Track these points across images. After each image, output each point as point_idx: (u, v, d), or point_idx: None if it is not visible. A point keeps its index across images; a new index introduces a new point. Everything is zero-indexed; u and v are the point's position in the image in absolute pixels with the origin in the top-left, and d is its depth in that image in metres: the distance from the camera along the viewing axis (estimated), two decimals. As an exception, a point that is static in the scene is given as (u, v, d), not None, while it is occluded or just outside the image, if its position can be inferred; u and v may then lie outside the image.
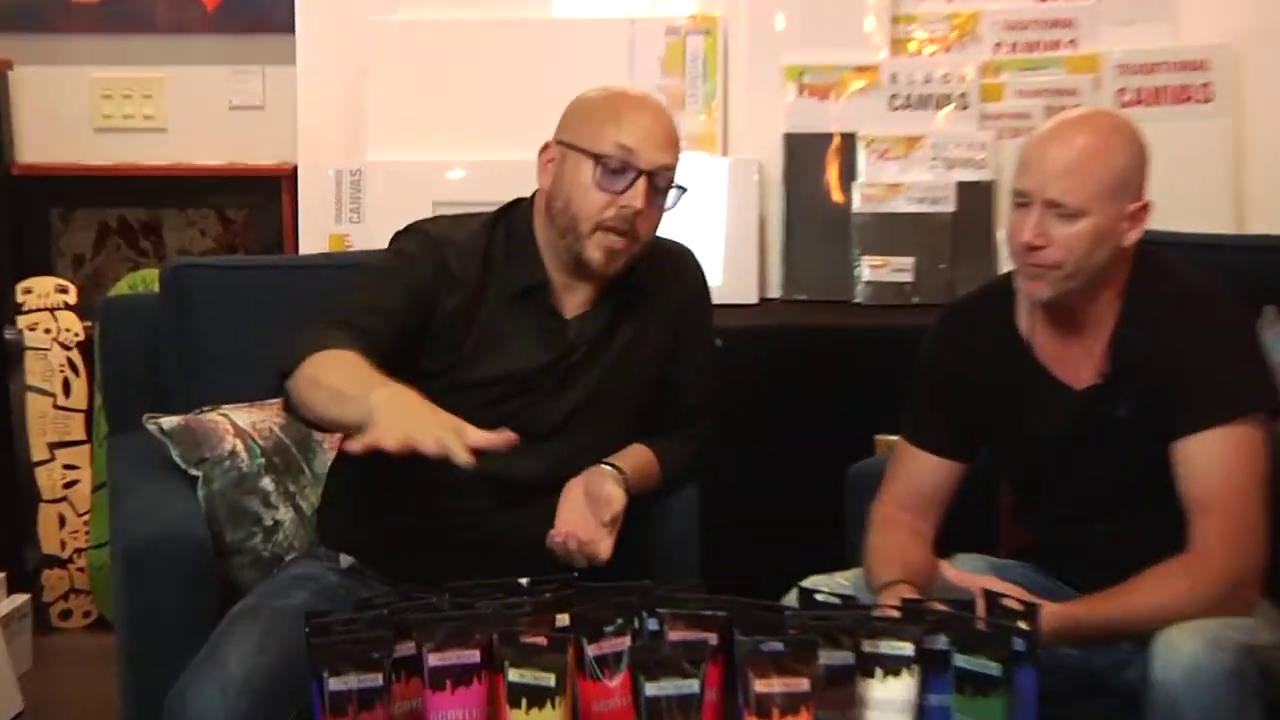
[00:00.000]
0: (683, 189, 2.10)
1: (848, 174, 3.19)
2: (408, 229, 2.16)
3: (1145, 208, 2.01)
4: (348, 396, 1.84)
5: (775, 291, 3.20)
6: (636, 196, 2.03)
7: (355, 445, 1.76)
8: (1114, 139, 1.99)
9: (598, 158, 2.04)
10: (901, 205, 3.15)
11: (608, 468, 2.12)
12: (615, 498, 2.07)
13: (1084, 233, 1.95)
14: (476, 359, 2.10)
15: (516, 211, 2.18)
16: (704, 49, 3.23)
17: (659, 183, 2.06)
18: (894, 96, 3.20)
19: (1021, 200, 1.98)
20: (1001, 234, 3.06)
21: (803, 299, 3.17)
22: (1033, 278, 1.99)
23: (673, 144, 2.09)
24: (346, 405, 1.84)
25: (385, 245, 2.48)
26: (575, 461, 2.13)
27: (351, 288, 2.10)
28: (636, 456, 2.18)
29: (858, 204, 3.17)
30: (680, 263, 2.27)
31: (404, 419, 1.75)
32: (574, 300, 2.14)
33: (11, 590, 3.26)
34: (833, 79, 3.21)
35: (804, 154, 3.21)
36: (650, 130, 2.06)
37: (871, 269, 3.13)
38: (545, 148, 2.13)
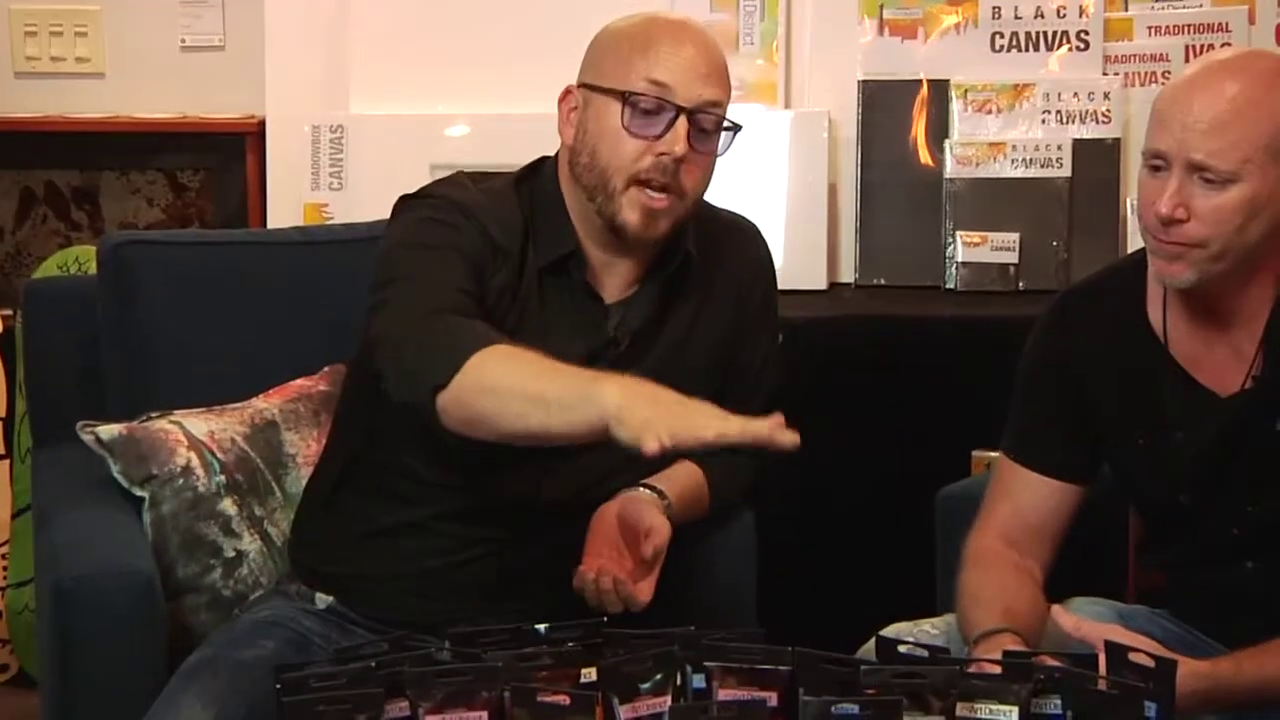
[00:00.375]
0: (736, 127, 2.10)
1: (938, 130, 3.20)
2: (419, 195, 2.14)
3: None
4: (561, 403, 1.83)
5: (848, 275, 3.22)
6: (677, 140, 2.03)
7: (652, 447, 1.72)
8: (1276, 86, 1.98)
9: (626, 96, 2.05)
10: (1005, 169, 3.15)
11: (647, 492, 2.12)
12: (658, 528, 2.07)
13: (1236, 203, 1.94)
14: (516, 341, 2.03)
15: (540, 174, 2.19)
16: (764, -21, 3.26)
17: (704, 123, 2.06)
18: (997, 35, 3.20)
19: (1157, 163, 1.96)
20: (1131, 203, 3.06)
21: (882, 284, 3.18)
22: (1170, 258, 1.97)
23: (720, 76, 2.09)
24: (565, 412, 1.82)
25: (371, 218, 2.49)
26: (610, 482, 2.13)
27: (400, 275, 2.04)
28: (682, 478, 2.18)
29: (951, 168, 3.17)
30: (741, 239, 2.28)
31: (663, 412, 1.75)
32: (614, 282, 2.15)
33: (-85, 638, 3.29)
34: (920, 14, 3.22)
35: (884, 105, 3.21)
36: (691, 60, 2.06)
37: (967, 247, 3.13)
38: (566, 93, 2.13)
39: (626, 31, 2.11)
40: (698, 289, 2.18)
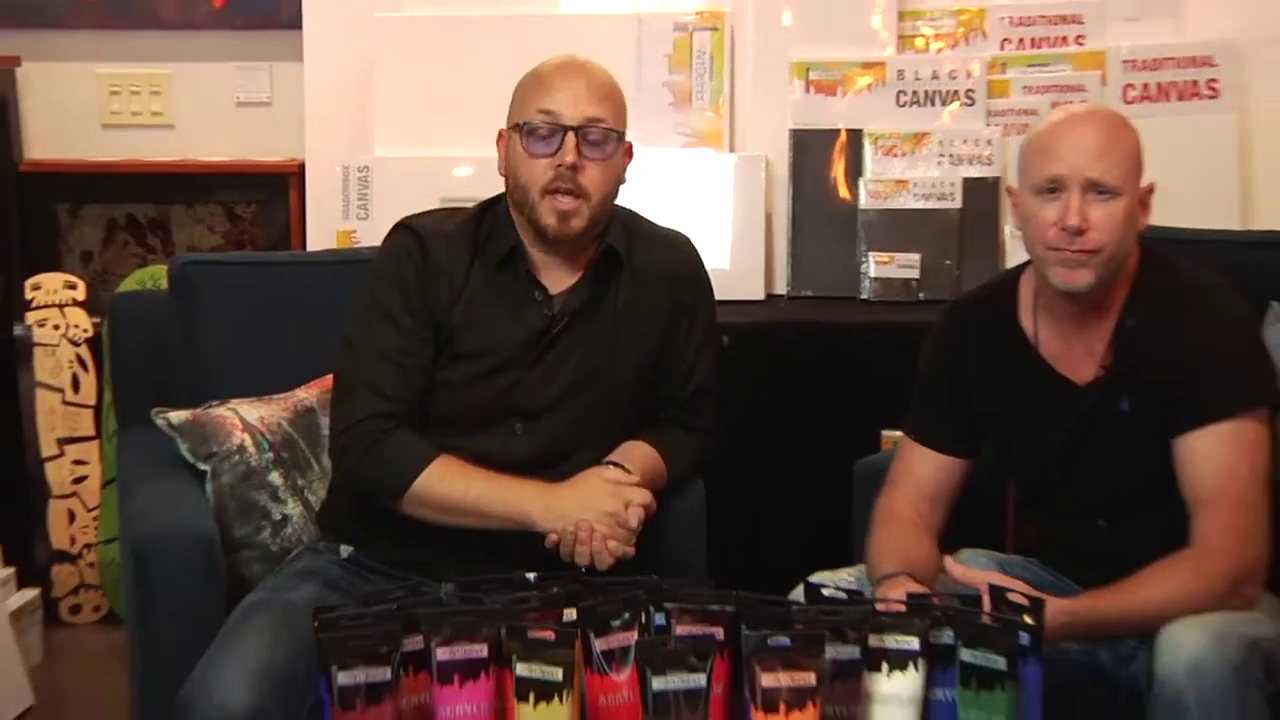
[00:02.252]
0: (619, 134, 2.12)
1: (854, 170, 3.19)
2: (394, 228, 2.22)
3: (1151, 189, 2.02)
4: (493, 515, 2.05)
5: (781, 288, 3.19)
6: (567, 152, 2.06)
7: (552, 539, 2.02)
8: (1123, 122, 2.01)
9: (525, 127, 2.09)
10: (908, 201, 3.14)
11: (615, 469, 2.11)
12: (647, 501, 2.08)
13: (1122, 212, 1.95)
14: (465, 331, 2.13)
15: (499, 200, 2.21)
16: (711, 45, 3.23)
17: (591, 135, 2.08)
18: (900, 93, 3.19)
19: (1051, 189, 1.96)
20: (1009, 230, 3.07)
21: (809, 295, 3.17)
22: (1074, 265, 1.96)
23: (600, 98, 2.11)
24: (497, 520, 2.05)
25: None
26: (570, 440, 2.13)
27: (364, 343, 2.13)
28: (643, 457, 2.16)
29: (864, 200, 3.16)
30: (674, 246, 2.27)
31: (569, 513, 2.02)
32: (556, 275, 2.16)
33: (21, 585, 3.27)
34: (839, 75, 3.20)
35: (810, 150, 3.20)
36: (572, 89, 2.09)
37: (878, 265, 3.12)
38: (499, 136, 2.17)
39: (527, 79, 2.15)
40: (630, 283, 2.18)
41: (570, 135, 2.07)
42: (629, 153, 2.17)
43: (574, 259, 2.15)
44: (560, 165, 2.06)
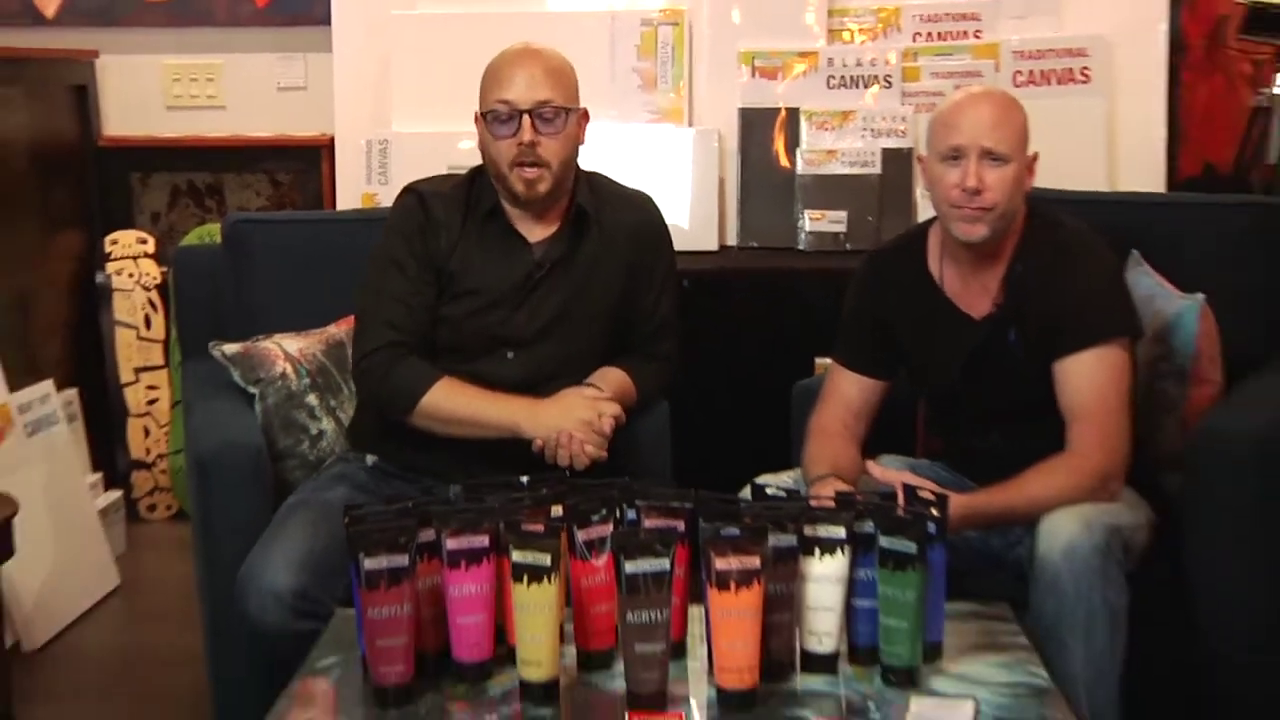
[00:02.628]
0: (569, 110, 2.08)
1: (792, 142, 3.16)
2: (401, 191, 2.20)
3: (1036, 157, 2.01)
4: (489, 425, 2.04)
5: (732, 240, 3.17)
6: (525, 132, 2.04)
7: (537, 445, 2.01)
8: (1013, 102, 2.00)
9: (489, 115, 2.07)
10: (837, 168, 3.12)
11: (591, 389, 2.10)
12: (616, 412, 2.08)
13: (1011, 175, 1.95)
14: (462, 274, 2.12)
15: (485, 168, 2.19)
16: (673, 38, 3.19)
17: (544, 114, 2.05)
18: (830, 78, 3.16)
19: (954, 156, 1.95)
20: (920, 191, 3.05)
21: (755, 246, 3.14)
22: (973, 220, 1.96)
23: (548, 81, 2.07)
24: (493, 429, 2.04)
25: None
26: (553, 365, 2.12)
27: (378, 286, 2.12)
28: (616, 382, 2.15)
29: (800, 167, 3.13)
30: (635, 202, 2.25)
31: (551, 423, 2.01)
32: (534, 229, 2.14)
33: (107, 488, 3.30)
34: (779, 63, 3.17)
35: (756, 125, 3.17)
36: (523, 78, 2.06)
37: (812, 221, 3.11)
38: (475, 119, 2.14)
39: (488, 69, 2.12)
40: (599, 236, 2.16)
41: (526, 118, 2.04)
42: (585, 118, 2.14)
43: (545, 215, 2.14)
44: (520, 144, 2.04)
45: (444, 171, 2.40)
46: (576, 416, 2.02)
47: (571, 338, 2.14)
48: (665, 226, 2.28)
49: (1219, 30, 3.14)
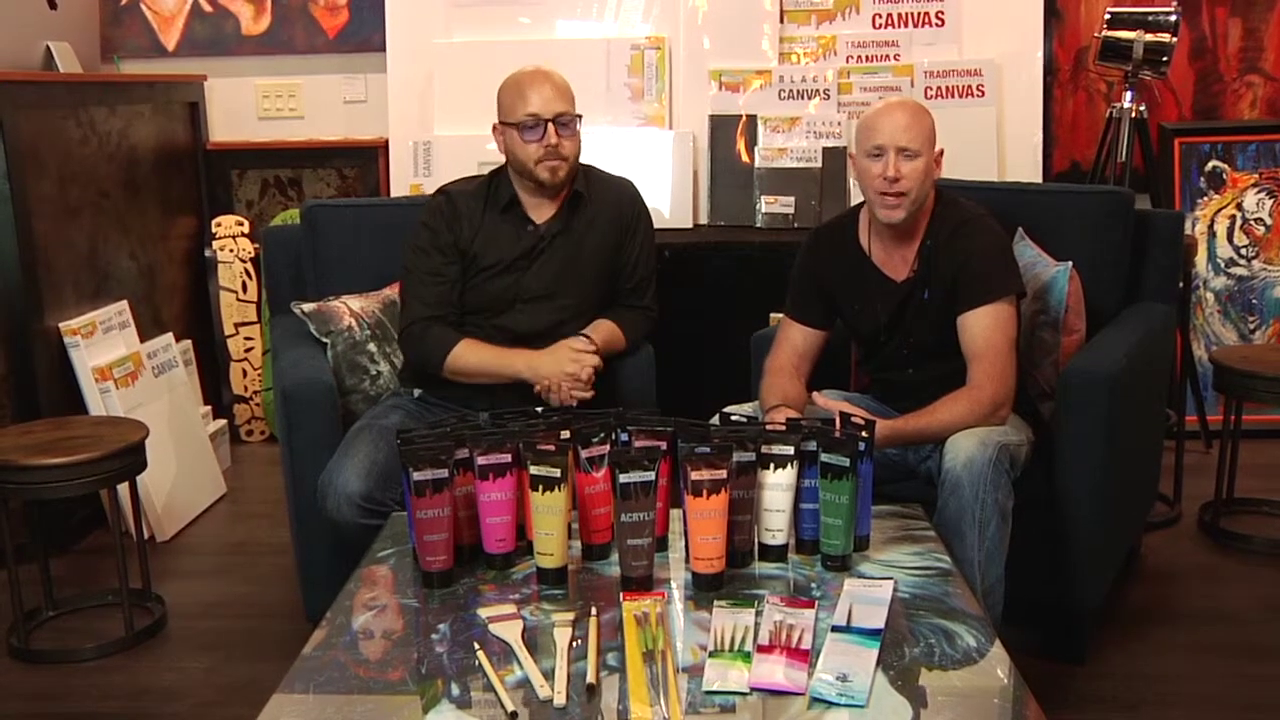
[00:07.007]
0: (579, 116, 2.07)
1: (751, 142, 3.10)
2: (435, 191, 2.17)
3: (942, 153, 1.97)
4: (501, 373, 2.03)
5: (704, 220, 3.13)
6: (550, 136, 2.02)
7: (540, 387, 2.00)
8: (923, 109, 1.95)
9: (519, 125, 2.03)
10: (787, 163, 3.07)
11: (582, 339, 2.07)
12: (594, 360, 2.05)
13: (921, 168, 1.90)
14: (483, 252, 2.09)
15: (503, 168, 2.15)
16: (657, 59, 3.13)
17: (562, 120, 2.03)
18: (781, 91, 3.10)
19: (876, 152, 1.91)
20: (853, 182, 3.00)
21: (722, 224, 3.10)
22: (893, 206, 1.92)
23: (564, 95, 2.05)
24: (503, 377, 2.03)
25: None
26: (557, 316, 2.11)
27: (414, 269, 2.09)
28: (605, 330, 2.13)
29: (758, 162, 3.08)
30: (619, 185, 2.22)
31: (545, 371, 1.99)
32: (540, 212, 2.11)
33: (215, 417, 3.28)
34: (741, 79, 3.11)
35: (722, 129, 3.11)
36: (545, 93, 2.03)
37: (767, 204, 3.06)
38: (494, 129, 2.10)
39: (510, 86, 2.07)
40: (589, 214, 2.13)
41: (550, 125, 2.02)
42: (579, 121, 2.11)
43: (553, 199, 2.11)
44: (547, 145, 2.02)
45: (475, 169, 2.37)
46: (563, 370, 2.01)
47: (570, 294, 2.11)
48: (643, 202, 2.23)
49: (1081, 57, 3.18)
